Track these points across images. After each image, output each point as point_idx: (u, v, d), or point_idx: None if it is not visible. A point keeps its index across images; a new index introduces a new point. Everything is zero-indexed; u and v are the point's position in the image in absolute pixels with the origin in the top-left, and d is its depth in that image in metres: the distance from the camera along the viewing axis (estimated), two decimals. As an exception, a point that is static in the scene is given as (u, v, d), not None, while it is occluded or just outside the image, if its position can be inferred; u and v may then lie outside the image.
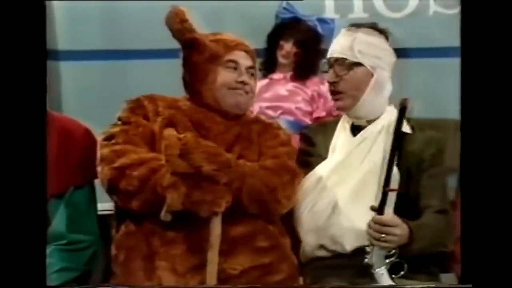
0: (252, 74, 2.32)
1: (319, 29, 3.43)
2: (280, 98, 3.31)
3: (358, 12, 3.67)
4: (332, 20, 3.53)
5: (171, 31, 2.24)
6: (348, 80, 2.33)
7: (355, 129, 2.38)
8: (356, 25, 2.42)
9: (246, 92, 2.29)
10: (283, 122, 3.11)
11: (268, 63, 3.40)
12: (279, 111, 3.29)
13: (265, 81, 3.36)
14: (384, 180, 2.13)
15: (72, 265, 2.23)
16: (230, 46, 2.29)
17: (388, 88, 2.38)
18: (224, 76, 2.27)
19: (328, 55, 2.39)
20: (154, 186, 2.06)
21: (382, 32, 2.38)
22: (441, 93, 3.46)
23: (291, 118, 3.27)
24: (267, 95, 3.32)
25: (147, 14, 3.49)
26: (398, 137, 2.15)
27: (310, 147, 2.41)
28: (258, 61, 3.38)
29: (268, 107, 3.29)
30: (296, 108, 3.30)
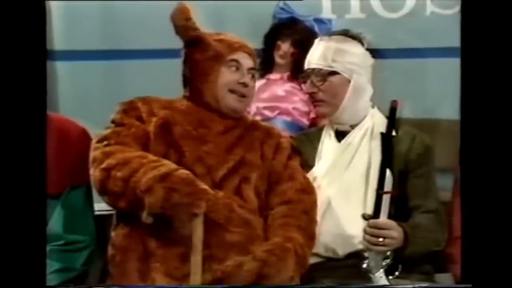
0: (253, 76, 2.32)
1: (316, 29, 3.41)
2: (277, 99, 3.30)
3: (355, 12, 3.67)
4: (329, 20, 3.52)
5: (176, 28, 2.23)
6: (325, 89, 2.34)
7: (340, 135, 2.39)
8: (329, 34, 2.45)
9: (245, 96, 2.29)
10: (280, 122, 3.11)
11: (265, 63, 3.38)
12: (276, 112, 3.28)
13: (262, 81, 3.35)
14: (378, 184, 2.13)
15: (69, 266, 2.23)
16: (234, 47, 2.29)
17: (368, 92, 2.39)
18: (226, 76, 2.27)
19: (306, 67, 2.40)
20: (134, 187, 2.05)
21: (356, 38, 2.38)
22: (440, 93, 3.47)
23: (288, 118, 3.26)
24: (264, 95, 3.31)
25: (144, 14, 3.49)
26: (389, 139, 2.14)
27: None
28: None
29: (265, 108, 3.28)
30: (293, 108, 3.29)
